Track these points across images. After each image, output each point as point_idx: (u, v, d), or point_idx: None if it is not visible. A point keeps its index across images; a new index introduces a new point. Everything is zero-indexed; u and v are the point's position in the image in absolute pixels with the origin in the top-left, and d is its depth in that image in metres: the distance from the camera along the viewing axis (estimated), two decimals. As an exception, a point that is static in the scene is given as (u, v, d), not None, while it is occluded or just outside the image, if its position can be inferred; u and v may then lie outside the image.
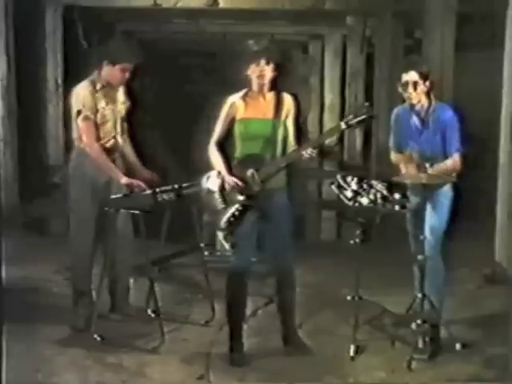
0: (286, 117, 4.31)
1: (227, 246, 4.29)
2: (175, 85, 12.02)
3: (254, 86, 4.27)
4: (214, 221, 4.32)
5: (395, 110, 4.81)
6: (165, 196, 4.69)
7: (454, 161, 4.55)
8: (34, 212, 7.76)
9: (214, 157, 4.31)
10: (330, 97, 10.04)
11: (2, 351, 3.33)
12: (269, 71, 4.23)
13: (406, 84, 4.58)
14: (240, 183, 4.20)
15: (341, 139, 8.80)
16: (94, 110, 4.84)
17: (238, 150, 4.30)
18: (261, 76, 4.22)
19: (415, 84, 4.55)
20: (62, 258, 6.01)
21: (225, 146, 4.33)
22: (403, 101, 4.76)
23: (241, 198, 4.20)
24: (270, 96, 4.29)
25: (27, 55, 7.84)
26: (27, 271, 6.06)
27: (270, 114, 4.26)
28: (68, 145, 5.17)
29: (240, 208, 4.22)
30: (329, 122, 9.52)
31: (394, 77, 8.18)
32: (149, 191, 4.70)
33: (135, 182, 4.75)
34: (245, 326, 4.92)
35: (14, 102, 7.62)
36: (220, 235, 4.33)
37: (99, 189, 4.81)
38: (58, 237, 7.56)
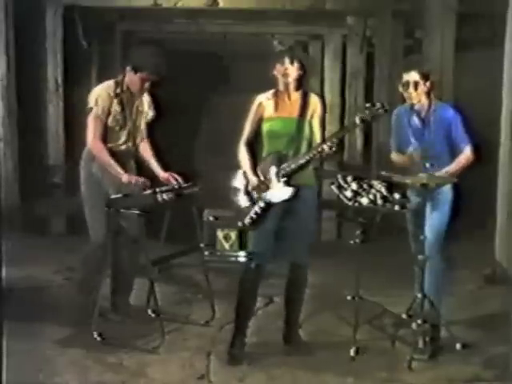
0: (312, 117, 4.36)
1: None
2: (175, 84, 12.00)
3: (280, 86, 4.35)
4: (239, 219, 4.36)
5: (395, 111, 4.81)
6: (165, 196, 4.69)
7: (465, 154, 4.59)
8: (34, 212, 7.76)
9: (241, 156, 4.40)
10: (330, 97, 10.03)
11: (3, 351, 3.32)
12: (293, 70, 4.31)
13: (407, 84, 4.59)
14: (261, 182, 4.27)
15: (341, 139, 8.80)
16: (106, 111, 4.85)
17: (265, 149, 4.37)
18: (285, 75, 4.30)
19: (416, 84, 4.57)
20: (63, 258, 6.03)
21: (254, 145, 4.41)
22: (403, 101, 4.77)
23: (264, 195, 4.26)
24: (297, 95, 4.36)
25: (27, 55, 7.84)
26: (27, 271, 6.06)
27: (296, 112, 4.32)
28: (68, 145, 5.18)
29: (263, 206, 4.27)
30: (329, 122, 9.51)
31: (394, 77, 8.21)
32: (149, 191, 4.70)
33: (136, 178, 4.76)
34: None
35: (13, 102, 7.63)
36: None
37: (107, 188, 4.84)
38: (59, 237, 7.59)
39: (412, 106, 4.65)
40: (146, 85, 4.93)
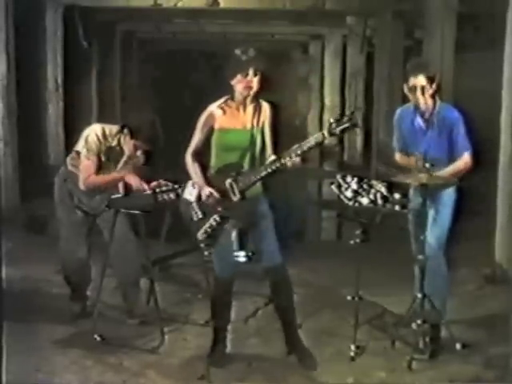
0: (263, 124, 4.21)
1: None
2: (175, 84, 12.01)
3: (238, 96, 4.15)
4: (192, 232, 4.21)
5: (398, 111, 4.78)
6: (165, 196, 4.69)
7: (464, 161, 4.55)
8: (34, 212, 7.76)
9: (191, 167, 4.20)
10: (330, 97, 10.05)
11: (2, 351, 3.33)
12: (256, 83, 4.11)
13: (414, 88, 4.56)
14: (216, 194, 4.10)
15: (341, 139, 8.81)
16: (98, 151, 4.81)
17: (215, 160, 4.20)
18: (247, 87, 4.11)
19: (423, 88, 4.54)
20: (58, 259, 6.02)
21: (202, 156, 4.23)
22: (403, 100, 4.75)
23: (219, 208, 4.11)
24: (251, 106, 4.19)
25: (27, 55, 7.85)
26: (27, 271, 6.05)
27: (249, 124, 4.17)
28: (68, 145, 5.19)
29: (218, 219, 4.13)
30: (329, 122, 9.52)
31: (393, 77, 8.23)
32: (148, 191, 4.70)
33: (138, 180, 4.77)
34: (245, 326, 4.94)
35: (13, 102, 7.62)
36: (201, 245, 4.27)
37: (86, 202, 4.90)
38: (58, 237, 7.57)
39: (415, 106, 4.64)
40: (139, 152, 4.86)
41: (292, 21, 9.54)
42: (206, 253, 4.84)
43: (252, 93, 4.13)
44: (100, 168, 4.82)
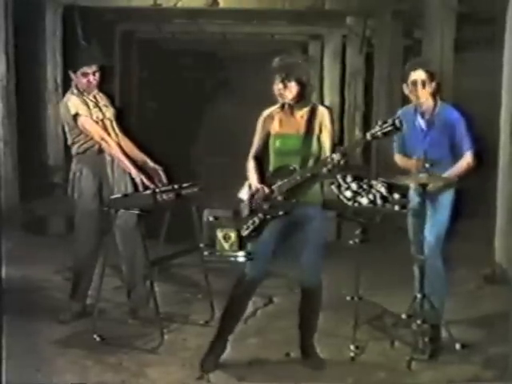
0: (320, 131, 4.18)
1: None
2: (175, 84, 12.02)
3: (280, 100, 4.20)
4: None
5: (399, 112, 4.77)
6: (165, 196, 4.69)
7: (466, 160, 4.55)
8: (33, 212, 7.77)
9: (249, 169, 4.28)
10: (330, 97, 10.05)
11: (2, 351, 3.33)
12: (289, 91, 4.12)
13: (415, 82, 4.55)
14: (265, 189, 4.13)
15: (341, 139, 8.81)
16: (88, 111, 4.93)
17: (272, 164, 4.25)
18: (280, 95, 4.15)
19: (423, 82, 4.53)
20: (62, 258, 6.03)
21: (263, 159, 4.31)
22: (403, 100, 4.75)
23: (264, 206, 4.15)
24: (304, 110, 4.20)
25: (27, 55, 7.85)
26: (27, 271, 6.05)
27: (302, 129, 4.17)
28: (68, 145, 5.19)
29: (262, 217, 4.16)
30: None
31: (393, 77, 8.23)
32: (149, 191, 4.71)
33: (143, 179, 4.79)
34: (245, 326, 4.94)
35: (13, 102, 7.63)
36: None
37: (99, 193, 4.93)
38: (58, 237, 7.58)
39: (416, 107, 4.64)
40: (91, 78, 4.96)
41: (291, 21, 9.55)
42: (205, 253, 4.85)
43: (287, 100, 4.15)
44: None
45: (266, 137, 4.26)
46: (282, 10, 8.28)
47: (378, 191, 4.48)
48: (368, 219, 4.61)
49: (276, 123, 4.23)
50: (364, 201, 4.48)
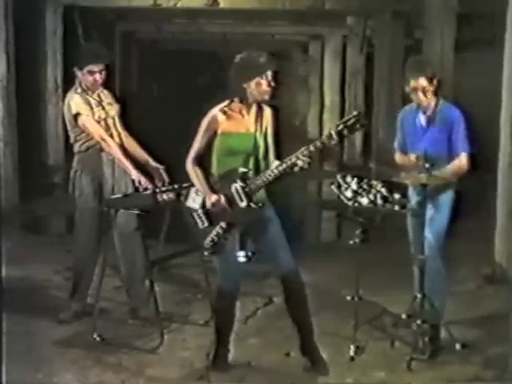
0: (266, 129, 4.15)
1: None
2: (175, 85, 12.02)
3: (250, 99, 4.08)
4: (197, 240, 4.15)
5: (402, 111, 4.78)
6: (165, 196, 4.69)
7: (460, 161, 4.52)
8: (33, 212, 7.76)
9: (193, 173, 4.12)
10: (330, 97, 10.05)
11: (2, 351, 3.33)
12: (270, 87, 4.04)
13: (416, 89, 4.56)
14: (223, 200, 4.02)
15: (340, 140, 8.80)
16: (90, 111, 4.92)
17: (217, 166, 4.12)
18: (264, 92, 4.04)
19: (424, 89, 4.54)
20: (62, 258, 6.03)
21: (204, 161, 4.15)
22: (403, 100, 4.75)
23: (225, 215, 4.03)
24: (254, 110, 4.13)
25: (27, 55, 7.84)
26: (27, 271, 6.05)
27: (252, 127, 4.11)
28: (68, 145, 5.20)
29: (224, 226, 4.06)
30: (328, 122, 9.55)
31: (393, 77, 8.22)
32: (149, 191, 4.70)
33: (143, 179, 4.78)
34: (245, 326, 4.94)
35: (13, 102, 7.62)
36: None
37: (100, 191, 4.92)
38: (58, 237, 7.58)
39: (418, 105, 4.64)
40: (97, 76, 4.95)
41: (292, 21, 9.55)
42: (205, 253, 4.84)
43: (266, 97, 4.06)
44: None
45: (211, 137, 4.10)
46: (282, 9, 8.27)
47: (379, 191, 4.47)
48: (368, 219, 4.61)
49: (224, 121, 4.10)
50: (364, 201, 4.48)
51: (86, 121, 4.91)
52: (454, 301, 5.00)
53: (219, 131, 4.09)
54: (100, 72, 4.95)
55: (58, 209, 7.83)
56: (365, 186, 4.48)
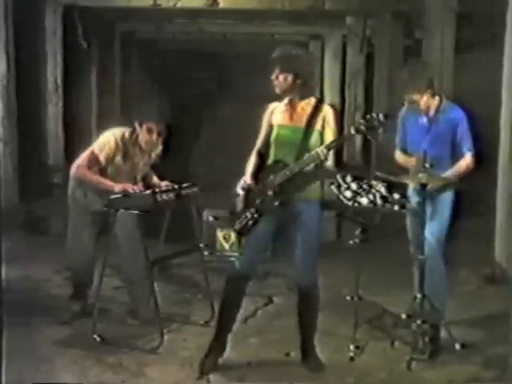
0: (323, 128, 4.16)
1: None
2: (175, 85, 12.02)
3: (279, 92, 4.21)
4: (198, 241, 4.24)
5: (403, 109, 4.78)
6: (165, 196, 4.69)
7: (466, 161, 4.55)
8: (33, 212, 7.77)
9: (249, 162, 4.30)
10: (330, 97, 10.04)
11: (2, 351, 3.32)
12: (282, 81, 4.13)
13: (414, 101, 4.59)
14: (250, 182, 4.18)
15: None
16: (110, 159, 4.85)
17: (271, 157, 4.25)
18: (279, 85, 4.16)
19: (421, 99, 4.57)
20: (62, 258, 6.03)
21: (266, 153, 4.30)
22: (403, 101, 4.76)
23: (257, 201, 4.16)
24: (304, 104, 4.20)
25: (27, 55, 7.85)
26: (27, 271, 6.06)
27: (303, 122, 4.18)
28: (68, 145, 5.21)
29: (254, 212, 4.15)
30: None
31: (393, 77, 8.22)
32: (148, 191, 4.71)
33: (129, 186, 4.77)
34: (245, 326, 4.94)
35: (13, 102, 7.63)
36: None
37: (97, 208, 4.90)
38: (58, 237, 7.57)
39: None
40: (154, 136, 4.86)
41: (291, 21, 9.55)
42: (205, 253, 4.84)
43: (280, 91, 4.17)
44: (102, 173, 4.85)
45: (269, 129, 4.28)
46: (282, 10, 8.28)
47: (378, 191, 4.48)
48: (368, 219, 4.61)
49: (279, 115, 4.26)
50: (364, 201, 4.49)
51: (91, 155, 4.85)
52: (454, 301, 5.00)
53: (274, 123, 4.25)
54: (158, 134, 4.86)
55: (57, 209, 7.84)
56: (364, 186, 4.49)
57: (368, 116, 3.98)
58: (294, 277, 4.32)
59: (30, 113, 7.96)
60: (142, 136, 4.88)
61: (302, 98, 4.21)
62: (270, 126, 4.27)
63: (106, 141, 4.87)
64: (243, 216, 4.19)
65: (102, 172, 4.87)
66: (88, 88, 9.46)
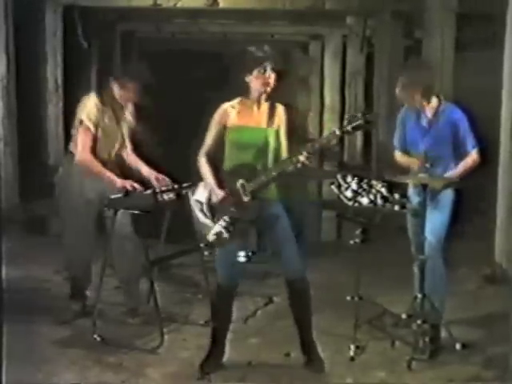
0: (279, 127, 4.15)
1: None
2: (175, 84, 12.01)
3: (254, 94, 4.12)
4: (201, 235, 4.14)
5: (403, 109, 4.79)
6: (165, 196, 4.69)
7: (472, 158, 4.58)
8: (34, 212, 7.76)
9: (203, 168, 4.16)
10: (330, 97, 10.03)
11: (2, 351, 3.33)
12: (273, 79, 4.08)
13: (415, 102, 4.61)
14: (226, 195, 4.05)
15: (341, 139, 8.79)
16: (96, 124, 4.89)
17: (228, 160, 4.15)
18: (265, 84, 4.07)
19: (422, 99, 4.58)
20: (62, 258, 6.02)
21: (216, 156, 4.18)
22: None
23: (231, 209, 4.04)
24: (265, 105, 4.15)
25: (27, 55, 7.84)
26: (27, 271, 6.06)
27: (264, 122, 4.12)
28: (68, 145, 5.20)
29: (228, 220, 4.06)
30: (329, 122, 9.52)
31: (393, 77, 8.22)
32: (149, 191, 4.70)
33: (129, 183, 4.76)
34: (245, 326, 4.94)
35: (13, 102, 7.62)
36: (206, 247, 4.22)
37: (92, 196, 4.89)
38: (58, 237, 7.57)
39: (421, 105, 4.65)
40: (132, 94, 4.96)
41: (292, 21, 9.53)
42: (206, 253, 4.84)
43: (269, 89, 4.09)
44: (95, 143, 4.88)
45: (222, 130, 4.15)
46: (282, 10, 8.27)
47: (379, 191, 4.48)
48: (368, 219, 4.61)
49: (234, 115, 4.14)
50: (364, 201, 4.49)
51: (82, 131, 4.89)
52: (454, 301, 5.00)
53: (229, 125, 4.13)
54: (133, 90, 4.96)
55: (57, 209, 7.83)
56: (365, 186, 4.49)
57: (352, 115, 3.93)
58: (283, 272, 4.28)
59: (30, 113, 7.94)
60: (116, 91, 4.95)
61: (267, 99, 4.13)
62: (223, 128, 4.15)
63: (89, 106, 4.90)
64: (216, 227, 4.07)
65: (95, 140, 4.89)
66: (88, 88, 9.44)
